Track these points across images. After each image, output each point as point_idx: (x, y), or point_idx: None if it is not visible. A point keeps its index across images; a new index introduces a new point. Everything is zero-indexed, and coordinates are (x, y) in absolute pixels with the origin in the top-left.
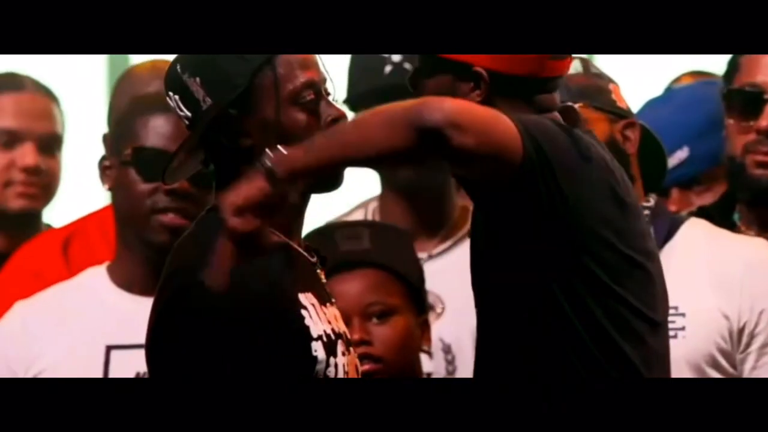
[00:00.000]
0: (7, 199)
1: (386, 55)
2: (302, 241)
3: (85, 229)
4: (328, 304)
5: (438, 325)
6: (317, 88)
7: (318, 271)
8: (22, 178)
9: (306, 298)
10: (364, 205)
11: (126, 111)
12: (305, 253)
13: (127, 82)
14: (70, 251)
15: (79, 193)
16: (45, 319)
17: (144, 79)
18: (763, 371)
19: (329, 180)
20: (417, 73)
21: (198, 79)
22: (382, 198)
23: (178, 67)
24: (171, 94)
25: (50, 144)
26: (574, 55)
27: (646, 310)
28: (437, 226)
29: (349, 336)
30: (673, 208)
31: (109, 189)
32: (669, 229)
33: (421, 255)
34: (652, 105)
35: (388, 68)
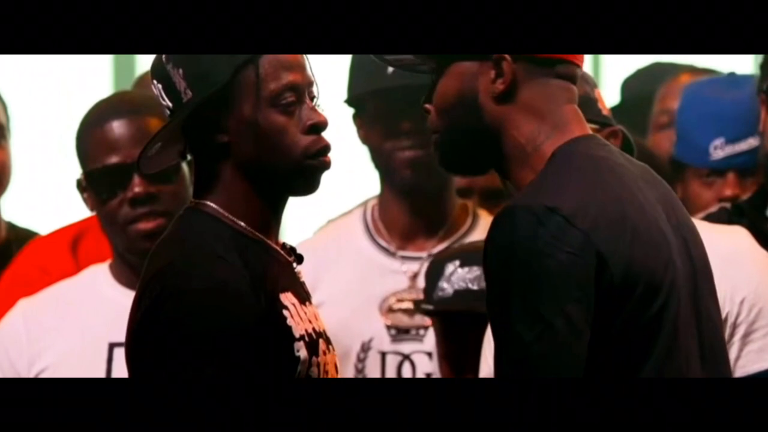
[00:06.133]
0: None
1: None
2: (278, 239)
3: (95, 226)
4: (307, 303)
5: None
6: (299, 91)
7: (295, 269)
8: None
9: (286, 298)
10: (363, 204)
11: (77, 133)
12: (282, 252)
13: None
14: (79, 249)
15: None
16: (47, 317)
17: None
18: (746, 361)
19: (306, 184)
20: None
21: (181, 71)
22: (381, 197)
23: (163, 56)
24: (155, 82)
25: None
26: None
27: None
28: (437, 225)
29: (328, 334)
30: (728, 192)
31: (92, 210)
32: None
33: (421, 254)
34: (728, 84)
35: (390, 68)
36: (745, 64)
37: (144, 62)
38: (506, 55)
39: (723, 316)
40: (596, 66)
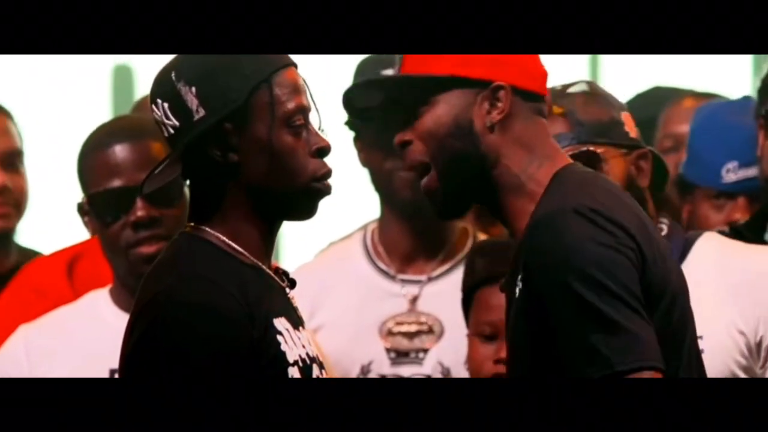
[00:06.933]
0: None
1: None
2: (272, 264)
3: (92, 249)
4: (300, 328)
5: (436, 348)
6: (306, 114)
7: (289, 294)
8: None
9: (280, 323)
10: (363, 227)
11: (79, 157)
12: (275, 277)
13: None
14: (75, 271)
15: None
16: (48, 342)
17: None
18: None
19: (308, 207)
20: (419, 87)
21: (194, 89)
22: (381, 220)
23: (173, 74)
24: (159, 101)
25: (12, 160)
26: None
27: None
28: (437, 248)
29: (322, 359)
30: (737, 216)
31: (93, 234)
32: (683, 248)
33: (420, 277)
34: (743, 108)
35: None
36: (744, 65)
37: (142, 63)
38: (504, 84)
39: (757, 339)
40: (595, 67)
